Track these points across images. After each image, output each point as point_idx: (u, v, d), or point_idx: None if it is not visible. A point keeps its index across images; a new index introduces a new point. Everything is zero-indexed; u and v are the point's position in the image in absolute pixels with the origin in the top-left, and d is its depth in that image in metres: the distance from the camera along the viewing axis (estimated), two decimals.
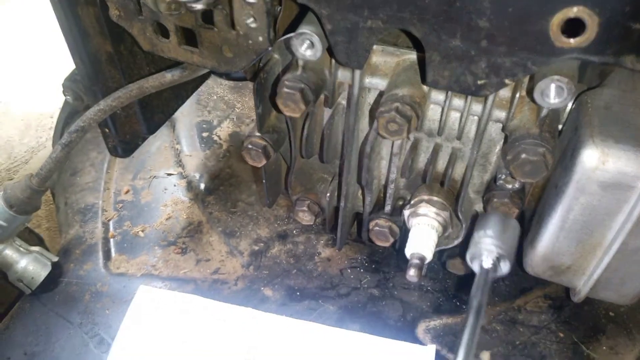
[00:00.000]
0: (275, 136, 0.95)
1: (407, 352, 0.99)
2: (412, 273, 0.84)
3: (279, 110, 0.84)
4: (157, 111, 1.08)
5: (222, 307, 1.04)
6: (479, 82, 0.69)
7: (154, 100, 1.05)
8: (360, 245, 1.20)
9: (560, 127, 0.88)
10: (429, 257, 0.87)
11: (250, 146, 0.93)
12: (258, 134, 0.94)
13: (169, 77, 0.90)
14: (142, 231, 1.23)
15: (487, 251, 0.79)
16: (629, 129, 0.78)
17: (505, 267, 0.79)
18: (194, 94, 1.55)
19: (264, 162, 0.94)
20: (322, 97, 0.90)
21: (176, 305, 1.04)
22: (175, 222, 1.25)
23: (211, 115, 1.51)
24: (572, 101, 0.86)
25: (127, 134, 1.06)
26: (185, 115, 1.50)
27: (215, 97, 1.56)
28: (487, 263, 0.79)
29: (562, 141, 0.88)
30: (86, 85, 0.98)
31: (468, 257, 0.81)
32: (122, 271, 1.15)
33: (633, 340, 1.02)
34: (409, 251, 0.88)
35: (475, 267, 0.80)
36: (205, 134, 1.46)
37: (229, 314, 1.03)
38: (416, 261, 0.86)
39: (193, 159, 1.39)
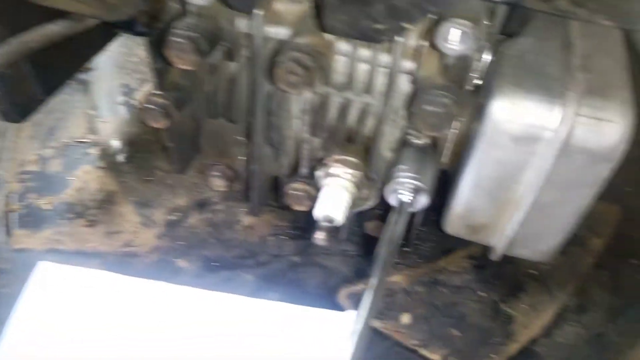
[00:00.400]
0: (179, 94, 0.88)
1: (326, 319, 0.95)
2: (319, 236, 0.80)
3: (171, 65, 0.77)
4: (53, 71, 0.99)
5: (129, 282, 0.98)
6: (378, 27, 0.64)
7: (49, 59, 0.96)
8: (285, 212, 1.15)
9: (480, 81, 0.85)
10: (339, 218, 0.83)
11: (148, 105, 0.85)
12: (158, 91, 0.87)
13: (53, 28, 0.81)
14: (49, 203, 1.14)
15: (404, 185, 0.75)
16: (540, 78, 0.75)
17: (423, 201, 0.76)
18: (112, 55, 1.46)
19: (165, 123, 0.87)
20: (224, 49, 0.83)
21: (79, 281, 0.97)
22: (85, 193, 1.16)
23: (130, 78, 1.41)
24: (492, 53, 0.82)
25: (20, 96, 0.97)
26: (101, 78, 1.40)
27: (135, 59, 1.46)
28: (405, 197, 0.75)
29: (480, 96, 0.85)
30: None
31: (386, 192, 0.78)
32: (23, 247, 1.06)
33: (553, 298, 1.02)
34: (317, 213, 0.83)
35: (392, 201, 0.76)
36: (123, 98, 1.37)
37: (136, 289, 0.97)
38: (325, 223, 0.82)
39: (109, 125, 1.30)
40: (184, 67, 0.74)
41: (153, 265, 1.04)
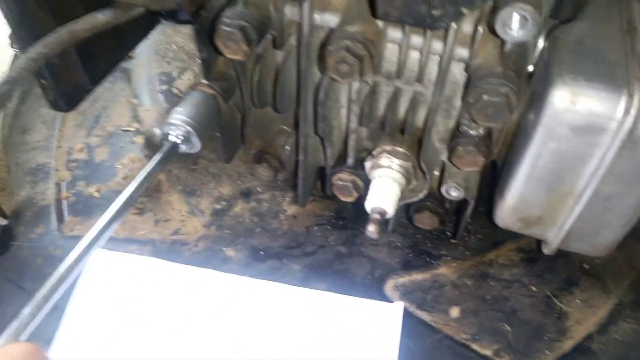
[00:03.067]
0: (225, 84, 0.88)
1: (374, 309, 0.94)
2: (371, 229, 0.79)
3: (221, 54, 0.76)
4: (99, 60, 1.00)
5: (181, 269, 0.99)
6: (434, 13, 0.61)
7: (94, 48, 0.97)
8: (328, 201, 1.14)
9: (532, 68, 0.81)
10: (390, 211, 0.81)
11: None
12: (205, 81, 0.86)
13: (101, 18, 0.82)
14: (97, 191, 1.16)
15: (176, 125, 0.80)
16: (601, 65, 0.71)
17: (195, 143, 0.82)
18: (152, 44, 1.47)
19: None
20: (272, 38, 0.82)
21: (133, 269, 0.99)
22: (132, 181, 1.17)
23: (171, 67, 1.42)
24: (544, 38, 0.79)
25: (67, 86, 0.98)
26: (143, 66, 1.41)
27: (175, 47, 1.47)
28: (174, 137, 0.80)
29: (533, 83, 0.81)
30: (15, 31, 0.89)
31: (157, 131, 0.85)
32: (75, 233, 1.08)
33: (608, 293, 0.98)
34: (368, 205, 0.82)
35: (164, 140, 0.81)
36: (164, 87, 1.37)
37: (188, 276, 0.98)
38: (376, 216, 0.80)
39: (151, 113, 1.31)
40: (233, 56, 0.73)
41: (202, 253, 1.04)
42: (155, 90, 1.37)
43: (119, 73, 1.38)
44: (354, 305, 0.95)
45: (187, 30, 1.48)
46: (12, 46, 1.38)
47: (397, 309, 0.94)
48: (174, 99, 1.35)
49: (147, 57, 1.42)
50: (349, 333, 0.92)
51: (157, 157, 0.77)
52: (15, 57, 1.45)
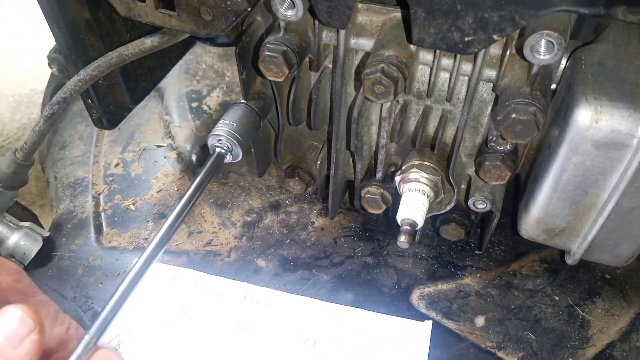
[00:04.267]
0: (262, 103, 0.93)
1: (403, 327, 0.97)
2: (402, 239, 0.83)
3: (262, 76, 0.81)
4: (140, 80, 1.06)
5: (216, 281, 1.03)
6: (466, 39, 0.66)
7: (137, 69, 1.03)
8: (354, 213, 1.18)
9: (554, 86, 0.86)
10: (420, 222, 0.86)
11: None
12: (244, 101, 0.91)
13: (148, 43, 0.88)
14: (133, 204, 1.21)
15: (221, 136, 0.86)
16: (623, 85, 0.75)
17: (238, 154, 0.87)
18: (182, 63, 1.52)
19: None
20: (307, 60, 0.87)
21: (170, 277, 1.03)
22: (166, 195, 1.23)
23: (200, 85, 1.48)
24: (566, 59, 0.83)
25: (111, 105, 1.04)
26: (174, 85, 1.47)
27: (204, 66, 1.53)
28: (219, 148, 0.86)
29: (555, 101, 0.86)
30: (66, 55, 0.95)
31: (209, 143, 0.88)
32: (114, 245, 1.14)
33: (629, 302, 1.01)
34: (400, 217, 0.86)
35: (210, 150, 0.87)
36: (194, 104, 1.43)
37: (224, 288, 1.02)
38: (407, 227, 0.84)
39: (183, 129, 1.37)
40: (274, 78, 0.79)
41: (234, 263, 1.09)
42: (186, 108, 1.42)
43: (152, 91, 1.44)
44: (382, 322, 0.98)
45: (215, 50, 1.54)
46: (49, 66, 1.45)
47: (425, 327, 0.97)
48: (204, 116, 1.40)
49: (177, 76, 1.48)
50: (378, 350, 0.94)
51: (206, 167, 0.81)
52: (52, 76, 1.53)
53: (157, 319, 0.99)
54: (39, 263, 1.11)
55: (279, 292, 1.03)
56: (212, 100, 1.45)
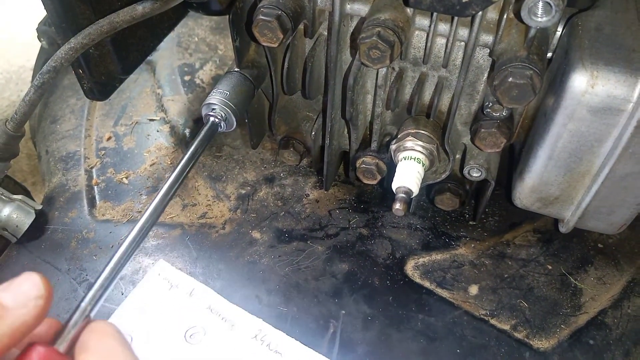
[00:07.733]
0: (256, 71, 0.92)
1: None
2: (398, 206, 0.83)
3: (256, 41, 0.80)
4: (132, 50, 1.04)
5: (231, 310, 0.96)
6: (465, 1, 0.65)
7: (128, 39, 1.01)
8: (349, 186, 1.18)
9: (550, 54, 0.85)
10: (415, 190, 0.85)
11: None
12: (237, 69, 0.90)
13: (140, 9, 0.86)
14: (126, 178, 1.20)
15: (215, 105, 0.86)
16: (619, 50, 0.75)
17: (232, 123, 0.88)
18: (174, 36, 1.51)
19: None
20: (302, 27, 0.86)
21: (187, 292, 0.98)
22: (159, 168, 1.22)
23: (193, 58, 1.46)
24: (563, 26, 0.83)
25: (102, 75, 1.03)
26: (166, 58, 1.45)
27: (196, 39, 1.51)
28: (213, 117, 0.86)
29: (551, 69, 0.85)
30: (56, 24, 0.93)
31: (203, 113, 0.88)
32: (107, 218, 1.13)
33: (621, 271, 1.02)
34: (395, 185, 0.86)
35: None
36: (187, 77, 1.42)
37: (238, 320, 0.95)
38: (402, 195, 0.84)
39: (175, 103, 1.35)
40: (269, 44, 0.78)
41: (228, 235, 1.09)
42: (178, 81, 1.41)
43: (143, 65, 1.42)
44: None
45: (208, 22, 1.52)
46: (39, 39, 1.43)
47: None
48: (196, 89, 1.39)
49: (169, 49, 1.47)
50: None
51: (199, 136, 0.81)
52: (42, 49, 1.50)
53: (162, 333, 0.94)
54: (32, 236, 1.10)
55: (293, 341, 0.93)
56: (205, 74, 1.43)
